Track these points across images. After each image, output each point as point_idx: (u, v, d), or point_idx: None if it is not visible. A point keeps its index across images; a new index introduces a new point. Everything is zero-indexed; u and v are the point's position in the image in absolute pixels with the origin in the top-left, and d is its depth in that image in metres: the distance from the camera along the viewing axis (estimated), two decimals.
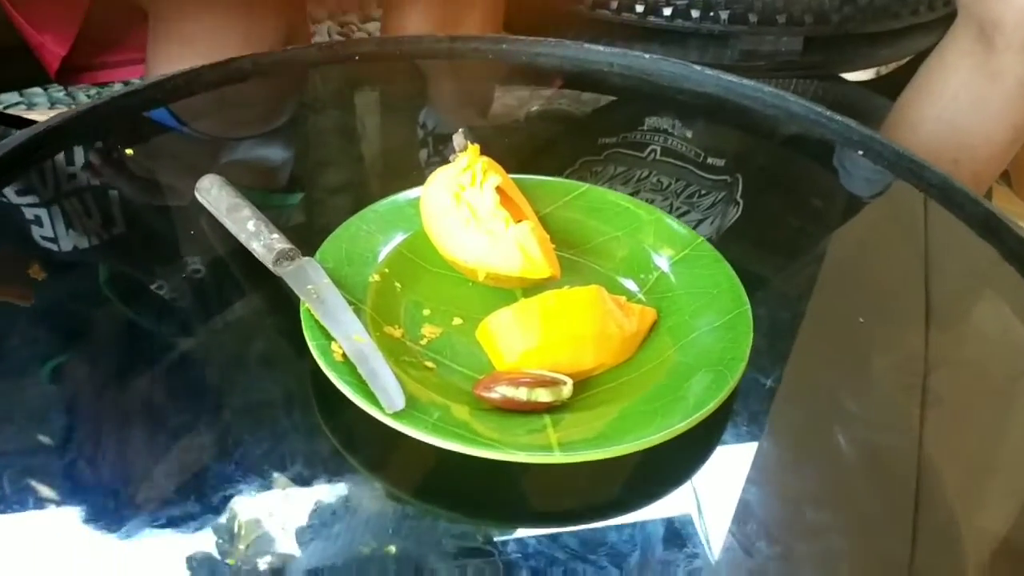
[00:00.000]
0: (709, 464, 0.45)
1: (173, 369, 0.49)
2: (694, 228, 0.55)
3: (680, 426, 0.42)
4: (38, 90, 1.04)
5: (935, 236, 0.65)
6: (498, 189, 0.51)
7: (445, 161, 0.73)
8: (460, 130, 0.53)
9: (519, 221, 0.51)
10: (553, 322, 0.45)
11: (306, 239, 0.52)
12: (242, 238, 0.52)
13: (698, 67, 0.76)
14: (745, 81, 0.74)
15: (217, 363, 0.51)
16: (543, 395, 0.43)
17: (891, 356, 0.55)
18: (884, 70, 1.43)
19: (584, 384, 0.46)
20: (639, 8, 1.02)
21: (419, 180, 0.53)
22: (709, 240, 0.54)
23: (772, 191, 0.72)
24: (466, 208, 0.50)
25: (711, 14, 1.01)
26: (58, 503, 0.42)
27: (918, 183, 0.66)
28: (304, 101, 0.79)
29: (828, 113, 0.71)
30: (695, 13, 1.01)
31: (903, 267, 0.63)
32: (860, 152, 0.69)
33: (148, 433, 0.45)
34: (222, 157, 0.70)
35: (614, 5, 1.02)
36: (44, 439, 0.45)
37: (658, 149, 0.73)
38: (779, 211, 0.69)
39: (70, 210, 0.61)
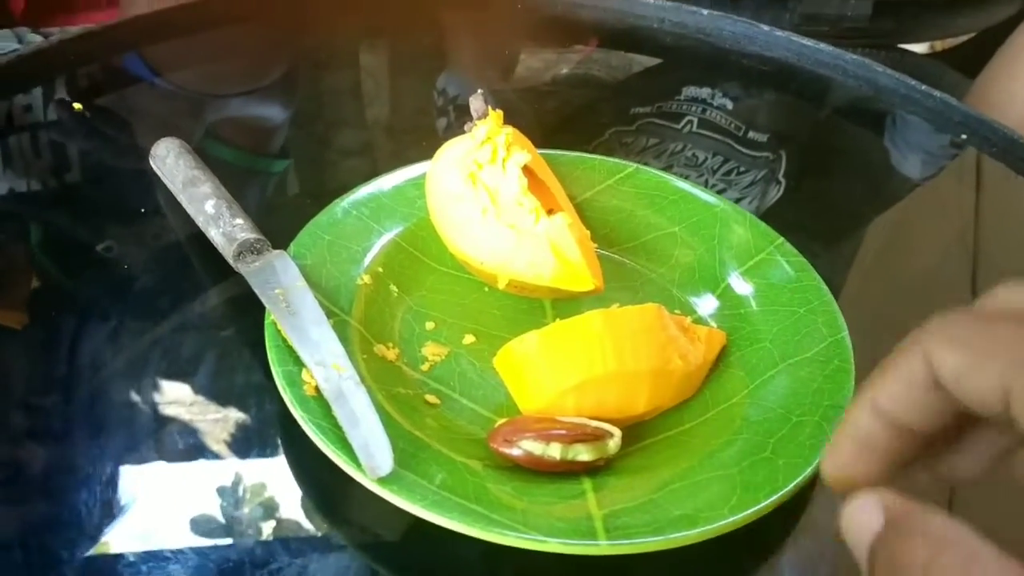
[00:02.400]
0: (800, 539, 0.34)
1: (93, 386, 0.38)
2: None
3: (767, 503, 0.31)
4: (8, 34, 0.92)
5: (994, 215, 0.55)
6: (525, 169, 0.39)
7: (456, 123, 0.63)
8: (479, 91, 0.41)
9: (551, 212, 0.40)
10: (598, 354, 0.34)
11: (284, 225, 0.41)
12: (199, 220, 0.41)
13: (765, 27, 0.63)
14: (823, 46, 0.62)
15: (150, 388, 0.39)
16: (582, 453, 0.32)
17: None
18: (940, 45, 1.30)
19: (634, 432, 0.35)
20: None
21: (425, 145, 0.42)
22: None
23: (818, 170, 0.63)
24: (484, 193, 0.39)
25: None
26: None
27: None
28: (300, 55, 0.68)
29: (923, 88, 0.59)
30: None
31: (959, 253, 0.54)
32: (964, 137, 0.57)
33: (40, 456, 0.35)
34: (200, 114, 0.59)
35: None
36: None
37: (695, 120, 0.63)
38: (825, 192, 0.60)
39: (15, 147, 0.50)
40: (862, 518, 0.24)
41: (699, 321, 0.40)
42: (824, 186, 0.61)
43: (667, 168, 0.57)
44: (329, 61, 0.69)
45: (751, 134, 0.63)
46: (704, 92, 0.66)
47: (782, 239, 0.43)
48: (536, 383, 0.34)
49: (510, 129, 0.41)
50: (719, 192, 0.55)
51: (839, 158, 0.64)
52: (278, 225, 0.42)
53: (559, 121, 0.67)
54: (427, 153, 0.43)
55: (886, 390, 0.26)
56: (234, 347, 0.40)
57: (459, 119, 0.62)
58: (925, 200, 0.61)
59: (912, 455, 0.26)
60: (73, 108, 0.56)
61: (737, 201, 0.55)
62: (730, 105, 0.65)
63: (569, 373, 0.33)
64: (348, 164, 0.60)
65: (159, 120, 0.60)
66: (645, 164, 0.46)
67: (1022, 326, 0.24)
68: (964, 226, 0.58)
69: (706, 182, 0.57)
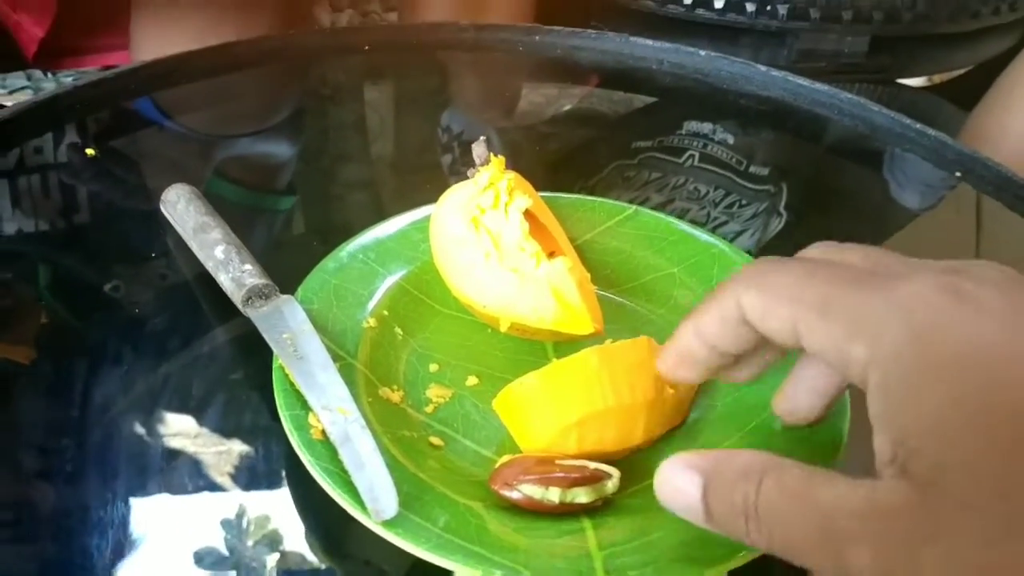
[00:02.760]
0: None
1: (102, 429, 0.39)
2: (733, 240, 0.45)
3: None
4: (20, 75, 0.94)
5: (992, 247, 0.57)
6: (527, 214, 0.40)
7: (458, 163, 0.64)
8: (481, 138, 0.43)
9: (552, 255, 0.41)
10: (597, 390, 0.34)
11: (292, 264, 0.42)
12: (209, 266, 0.42)
13: (762, 67, 0.65)
14: (819, 85, 0.63)
15: (159, 429, 0.40)
16: (581, 495, 0.33)
17: None
18: (937, 78, 1.31)
19: (633, 471, 0.36)
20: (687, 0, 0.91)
21: (439, 193, 0.43)
22: (748, 253, 0.44)
23: (819, 202, 0.64)
24: (487, 237, 0.40)
25: (768, 8, 0.89)
26: None
27: None
28: (306, 96, 0.69)
29: (918, 127, 0.60)
30: (750, 7, 0.90)
31: None
32: (958, 174, 0.58)
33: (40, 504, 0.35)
34: (209, 156, 0.60)
35: None
36: None
37: (697, 155, 0.64)
38: (826, 224, 0.61)
39: (25, 188, 0.51)
40: (680, 485, 0.28)
41: None
42: (825, 218, 0.61)
43: (669, 201, 0.58)
44: (334, 97, 0.71)
45: (752, 168, 0.64)
46: (705, 127, 0.68)
47: None
48: (537, 423, 0.35)
49: (512, 174, 0.42)
50: (721, 224, 0.56)
51: (839, 190, 0.65)
52: (286, 263, 0.43)
53: (562, 156, 0.68)
54: (431, 191, 0.44)
55: (706, 321, 0.31)
56: (242, 390, 0.41)
57: (463, 155, 0.63)
58: (925, 231, 0.61)
59: (721, 366, 0.33)
60: (84, 151, 0.57)
61: (739, 234, 0.56)
62: (731, 140, 0.67)
63: (570, 410, 0.34)
64: (354, 200, 0.61)
65: (167, 161, 0.61)
66: (647, 198, 0.47)
67: (809, 272, 0.28)
68: (965, 257, 0.59)
69: (708, 215, 0.58)
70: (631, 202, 0.48)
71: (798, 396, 0.34)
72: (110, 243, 0.51)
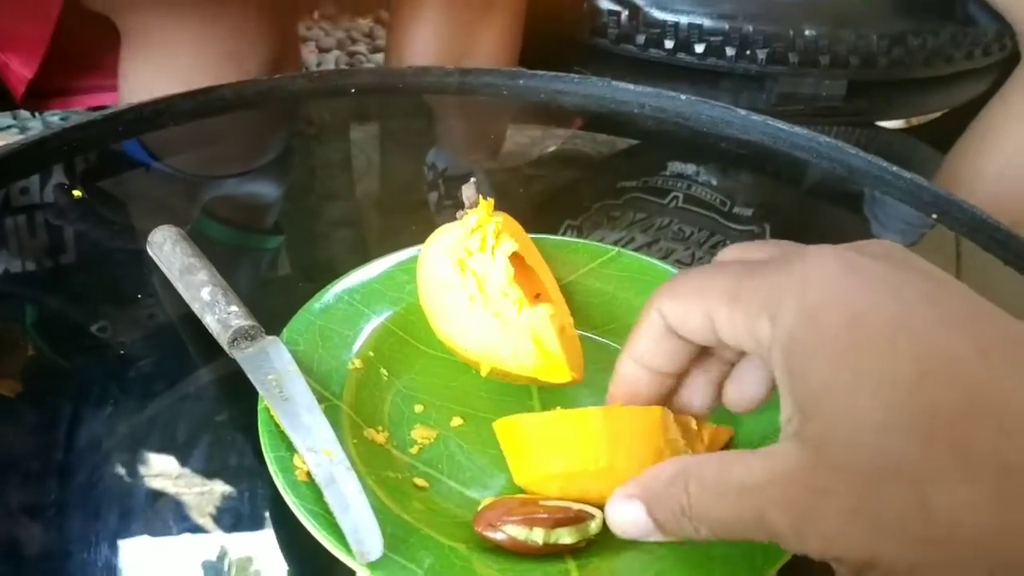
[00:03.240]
0: None
1: (86, 469, 0.39)
2: None
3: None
4: (6, 115, 0.95)
5: (977, 283, 0.56)
6: (514, 256, 0.41)
7: (455, 206, 0.64)
8: (471, 180, 0.43)
9: (538, 297, 0.41)
10: (591, 450, 0.34)
11: (279, 303, 0.42)
12: (195, 307, 0.42)
13: (742, 111, 0.66)
14: (798, 129, 0.64)
15: (143, 469, 0.40)
16: (565, 536, 0.33)
17: None
18: (914, 120, 1.34)
19: None
20: (668, 44, 0.92)
21: (425, 233, 0.43)
22: None
23: (802, 241, 0.63)
24: (472, 281, 0.40)
25: (747, 53, 0.92)
26: None
27: (1005, 255, 0.56)
28: (293, 136, 0.70)
29: (895, 170, 0.61)
30: (730, 51, 0.92)
31: None
32: (935, 216, 0.59)
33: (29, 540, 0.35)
34: (195, 196, 0.61)
35: (641, 40, 0.93)
36: None
37: (681, 196, 0.65)
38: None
39: (11, 228, 0.51)
40: (628, 516, 0.30)
41: None
42: None
43: (655, 241, 0.59)
44: (321, 137, 0.71)
45: (736, 209, 0.65)
46: (689, 168, 0.69)
47: None
48: (529, 460, 0.35)
49: (501, 216, 0.42)
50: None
51: (821, 229, 0.66)
52: (273, 302, 0.43)
53: (547, 196, 0.69)
54: (417, 230, 0.44)
55: (637, 343, 0.33)
56: (227, 431, 0.41)
57: (449, 192, 0.64)
58: None
59: (670, 391, 0.34)
60: (71, 192, 0.57)
61: None
62: (715, 181, 0.68)
63: (560, 461, 0.34)
64: (340, 238, 0.61)
65: (153, 202, 0.61)
66: (633, 238, 0.48)
67: (718, 270, 0.30)
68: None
69: (693, 255, 0.59)
70: (616, 242, 0.49)
71: (742, 386, 0.34)
72: (96, 283, 0.51)
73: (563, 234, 0.58)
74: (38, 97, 0.83)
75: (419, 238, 0.44)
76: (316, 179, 0.68)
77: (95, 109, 0.89)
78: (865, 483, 0.24)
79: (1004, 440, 0.23)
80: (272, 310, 0.42)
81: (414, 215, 0.62)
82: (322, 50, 1.83)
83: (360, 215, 0.65)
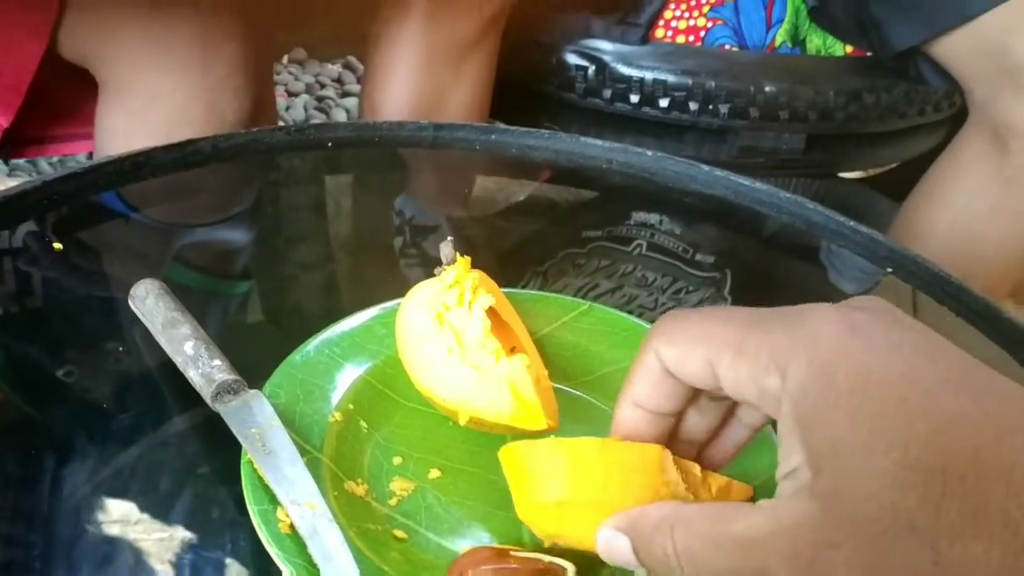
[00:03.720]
0: None
1: (68, 522, 0.39)
2: None
3: None
4: None
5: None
6: (489, 311, 0.42)
7: (424, 254, 0.66)
8: (448, 239, 0.45)
9: (513, 350, 0.43)
10: (584, 481, 0.34)
11: (254, 348, 0.43)
12: (178, 361, 0.43)
13: (705, 167, 0.69)
14: (759, 185, 0.67)
15: (126, 523, 0.40)
16: None
17: None
18: (872, 170, 1.39)
19: (591, 569, 0.37)
20: (634, 98, 0.96)
21: (395, 274, 0.45)
22: None
23: (762, 288, 0.67)
24: (450, 334, 0.42)
25: (710, 107, 0.95)
26: None
27: (955, 306, 0.59)
28: (267, 184, 0.71)
29: (851, 224, 0.64)
30: (693, 106, 0.95)
31: None
32: (889, 270, 0.62)
33: None
34: (171, 243, 0.62)
35: (607, 95, 0.96)
36: None
37: (644, 244, 0.68)
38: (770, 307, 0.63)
39: None
40: (613, 545, 0.31)
41: None
42: (769, 302, 0.64)
43: (619, 288, 0.60)
44: (293, 185, 0.73)
45: (698, 256, 0.67)
46: (652, 217, 0.71)
47: None
48: (526, 489, 0.35)
49: (477, 273, 0.44)
50: (670, 310, 0.58)
51: (781, 276, 0.69)
52: (247, 348, 0.44)
53: (514, 243, 0.71)
54: (383, 273, 0.45)
55: (636, 387, 0.33)
56: (210, 484, 0.41)
57: (414, 239, 0.65)
58: None
59: (670, 433, 0.35)
60: (50, 244, 0.58)
61: None
62: (677, 230, 0.70)
63: (553, 490, 0.34)
64: (310, 281, 0.62)
65: (127, 250, 0.62)
66: (597, 284, 0.50)
67: (718, 317, 0.31)
68: None
69: (656, 301, 0.61)
70: (581, 288, 0.50)
71: (719, 450, 0.36)
72: (69, 332, 0.52)
73: (528, 281, 0.59)
74: (13, 145, 0.84)
75: (389, 284, 0.45)
76: (288, 225, 0.69)
77: (67, 156, 0.90)
78: (878, 537, 0.25)
79: (1013, 498, 0.25)
80: (248, 353, 0.43)
81: (381, 260, 0.64)
82: (291, 94, 1.84)
83: (330, 260, 0.66)
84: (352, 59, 1.94)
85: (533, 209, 0.75)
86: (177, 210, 0.66)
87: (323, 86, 1.89)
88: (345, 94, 1.86)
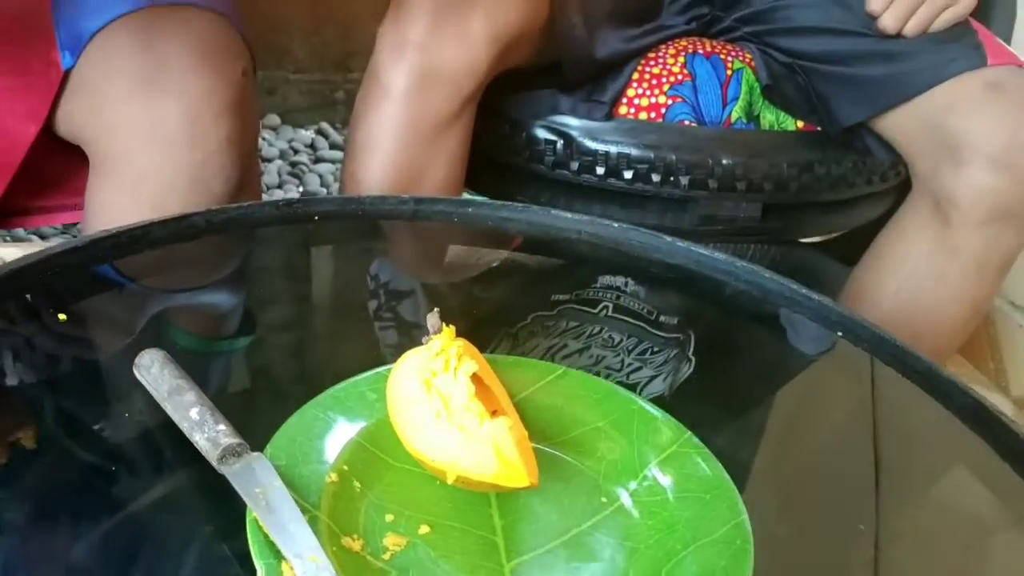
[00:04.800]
0: None
1: None
2: (647, 384, 0.52)
3: None
4: None
5: (882, 393, 0.66)
6: (473, 377, 0.46)
7: (398, 318, 0.70)
8: (435, 310, 0.49)
9: (495, 413, 0.47)
10: None
11: (250, 406, 0.46)
12: (184, 427, 0.46)
13: (668, 238, 0.74)
14: (718, 255, 0.72)
15: None
16: None
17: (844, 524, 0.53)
18: (827, 235, 1.45)
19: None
20: (600, 171, 1.01)
21: (372, 337, 0.49)
22: (661, 397, 0.51)
23: (726, 348, 0.71)
24: (437, 398, 0.45)
25: (671, 179, 1.00)
26: None
27: (902, 368, 0.63)
28: (252, 253, 0.75)
29: (804, 291, 0.69)
30: (656, 177, 1.00)
31: (852, 427, 0.64)
32: (840, 334, 0.67)
33: None
34: (164, 307, 0.65)
35: (575, 167, 1.01)
36: None
37: (610, 306, 0.71)
38: (732, 366, 0.68)
39: None
40: None
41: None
42: (732, 360, 0.68)
43: (586, 348, 0.64)
44: (279, 252, 0.76)
45: (662, 318, 0.72)
46: (618, 280, 0.76)
47: (689, 433, 0.50)
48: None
49: (461, 341, 0.48)
50: (635, 370, 0.62)
51: (742, 336, 0.73)
52: (238, 403, 0.47)
53: (486, 306, 0.75)
54: (368, 338, 0.48)
55: None
56: (218, 541, 0.44)
57: (388, 302, 0.69)
58: (822, 373, 0.70)
59: None
60: (43, 310, 0.60)
61: (652, 378, 0.62)
62: (642, 293, 0.74)
63: None
64: (286, 341, 0.65)
65: (113, 316, 0.65)
66: (565, 345, 0.54)
67: None
68: (863, 394, 0.66)
69: (623, 361, 0.64)
70: (550, 349, 0.54)
71: None
72: (80, 401, 0.54)
73: (500, 342, 0.63)
74: (3, 216, 0.86)
75: (373, 346, 0.48)
76: (273, 288, 0.72)
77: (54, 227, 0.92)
78: None
79: None
80: (243, 410, 0.47)
81: (359, 321, 0.67)
82: (265, 160, 1.89)
83: (308, 316, 0.70)
84: (325, 125, 1.99)
85: (503, 273, 0.79)
86: (163, 276, 0.69)
87: (296, 152, 1.93)
88: (318, 160, 1.91)
